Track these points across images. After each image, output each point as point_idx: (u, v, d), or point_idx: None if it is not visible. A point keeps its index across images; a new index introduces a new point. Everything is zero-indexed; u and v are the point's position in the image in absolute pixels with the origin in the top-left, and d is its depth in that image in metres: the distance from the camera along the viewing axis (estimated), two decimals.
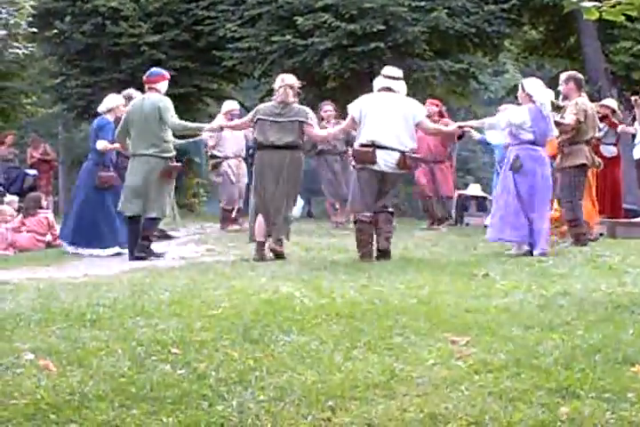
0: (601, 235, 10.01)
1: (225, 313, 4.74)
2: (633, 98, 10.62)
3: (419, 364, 3.63)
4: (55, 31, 18.33)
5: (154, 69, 8.94)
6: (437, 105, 11.79)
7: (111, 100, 9.18)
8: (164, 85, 8.68)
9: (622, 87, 16.71)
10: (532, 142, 7.94)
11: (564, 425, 2.90)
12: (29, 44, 16.48)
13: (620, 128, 10.68)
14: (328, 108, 11.96)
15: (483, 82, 21.82)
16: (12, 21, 15.94)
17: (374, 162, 7.67)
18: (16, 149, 16.56)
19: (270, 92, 19.87)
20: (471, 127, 9.33)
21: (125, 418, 3.00)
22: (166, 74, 8.84)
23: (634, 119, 10.60)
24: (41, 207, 10.96)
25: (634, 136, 10.73)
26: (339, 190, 11.63)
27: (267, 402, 3.15)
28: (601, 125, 10.92)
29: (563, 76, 9.23)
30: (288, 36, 15.95)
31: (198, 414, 3.03)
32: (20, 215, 10.79)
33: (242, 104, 20.80)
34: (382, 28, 15.34)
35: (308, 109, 8.14)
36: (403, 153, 7.69)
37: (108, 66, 18.59)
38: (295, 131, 7.92)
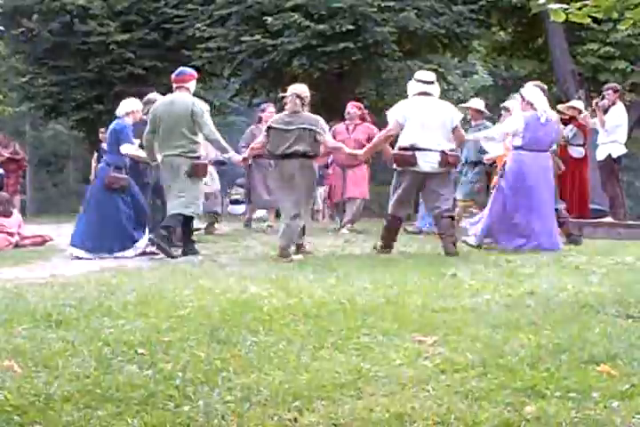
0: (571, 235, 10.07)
1: (192, 313, 4.72)
2: (594, 102, 10.78)
3: (385, 364, 3.64)
4: (22, 29, 18.21)
5: (183, 68, 8.81)
6: (360, 108, 11.58)
7: (129, 104, 8.83)
8: (193, 84, 8.60)
9: (589, 89, 16.86)
10: (521, 148, 8.17)
11: (530, 424, 2.91)
12: None
13: (583, 114, 10.85)
14: (271, 109, 11.71)
15: (452, 82, 21.95)
16: None
17: (414, 164, 7.90)
18: None
19: (239, 91, 19.98)
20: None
21: (90, 419, 2.98)
22: (195, 73, 8.77)
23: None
24: (13, 207, 10.83)
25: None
26: (264, 197, 11.19)
27: (233, 403, 3.13)
28: (569, 126, 11.04)
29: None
30: (257, 36, 15.94)
31: (164, 415, 3.01)
32: None
33: (210, 103, 20.80)
34: (351, 28, 15.37)
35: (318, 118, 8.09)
36: (442, 152, 7.92)
37: (77, 64, 18.49)
38: (306, 139, 7.88)
